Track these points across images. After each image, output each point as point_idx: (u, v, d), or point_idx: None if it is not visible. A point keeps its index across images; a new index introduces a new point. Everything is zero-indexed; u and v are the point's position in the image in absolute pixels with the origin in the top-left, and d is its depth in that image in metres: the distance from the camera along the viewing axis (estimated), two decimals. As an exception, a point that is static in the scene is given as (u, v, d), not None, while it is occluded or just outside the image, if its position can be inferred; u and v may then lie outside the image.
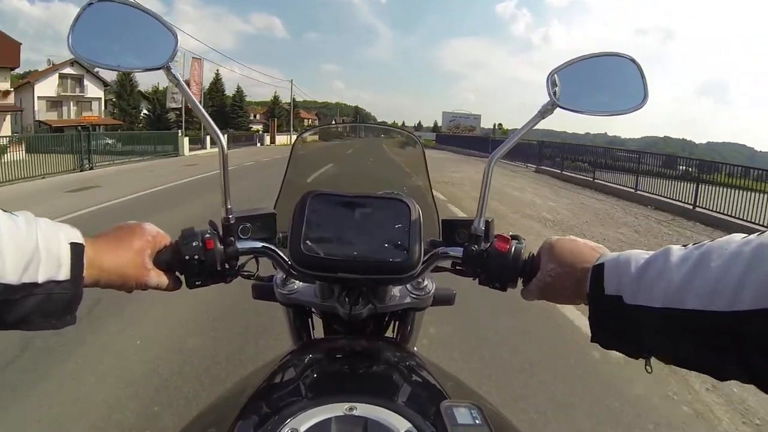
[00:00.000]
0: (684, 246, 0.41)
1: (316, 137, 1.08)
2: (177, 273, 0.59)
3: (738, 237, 0.38)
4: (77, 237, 0.46)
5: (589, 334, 0.48)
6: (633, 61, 0.60)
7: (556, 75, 0.61)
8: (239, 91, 45.53)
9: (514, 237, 0.61)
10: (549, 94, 0.60)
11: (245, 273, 0.65)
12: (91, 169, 12.58)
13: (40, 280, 0.42)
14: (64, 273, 0.44)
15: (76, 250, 0.45)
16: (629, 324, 0.43)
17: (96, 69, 25.39)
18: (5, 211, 0.41)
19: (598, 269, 0.47)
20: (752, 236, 0.36)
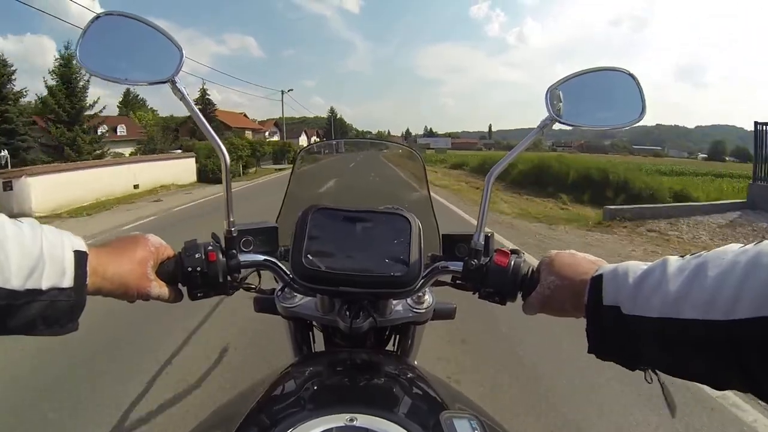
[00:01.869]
0: (681, 257, 0.42)
1: (317, 153, 1.09)
2: (179, 285, 0.59)
3: (735, 247, 0.38)
4: (81, 245, 0.47)
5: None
6: (631, 75, 0.61)
7: (554, 90, 0.62)
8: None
9: (513, 251, 0.62)
10: (548, 109, 0.61)
11: (247, 286, 0.65)
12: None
13: (44, 286, 0.42)
14: (67, 280, 0.44)
15: (80, 258, 0.46)
16: (627, 335, 0.43)
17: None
18: (10, 217, 0.42)
19: (597, 280, 0.47)
20: (749, 245, 0.37)
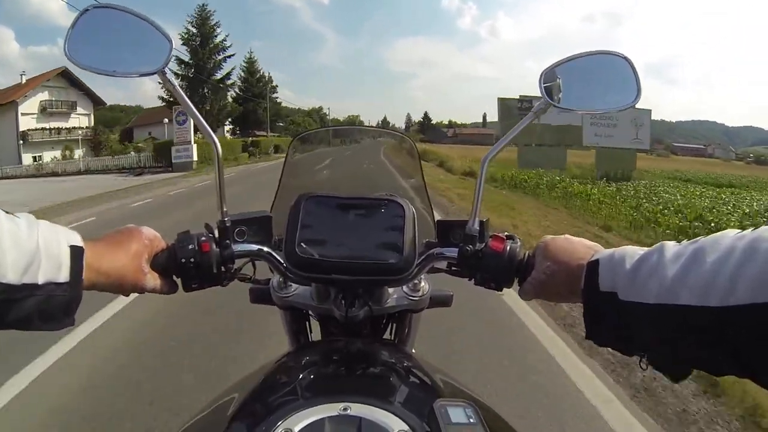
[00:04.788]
0: (678, 242, 0.41)
1: (311, 141, 1.09)
2: (174, 276, 0.59)
3: (732, 232, 0.37)
4: (77, 240, 0.47)
5: None
6: (625, 58, 0.61)
7: (548, 73, 0.61)
8: None
9: (509, 237, 0.61)
10: (542, 93, 0.60)
11: (242, 276, 0.65)
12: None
13: (41, 281, 0.42)
14: (63, 275, 0.44)
15: (76, 252, 0.46)
16: (624, 320, 0.43)
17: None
18: (7, 212, 0.42)
19: (593, 266, 0.47)
20: (746, 231, 0.36)
